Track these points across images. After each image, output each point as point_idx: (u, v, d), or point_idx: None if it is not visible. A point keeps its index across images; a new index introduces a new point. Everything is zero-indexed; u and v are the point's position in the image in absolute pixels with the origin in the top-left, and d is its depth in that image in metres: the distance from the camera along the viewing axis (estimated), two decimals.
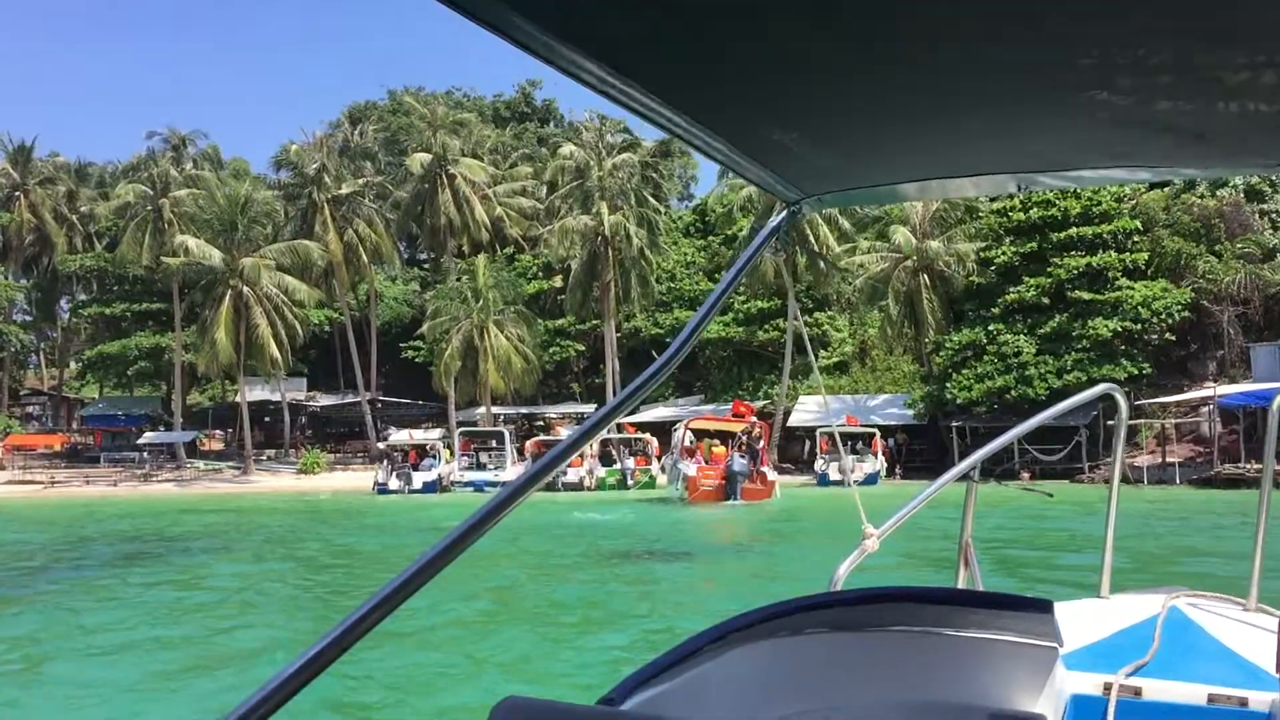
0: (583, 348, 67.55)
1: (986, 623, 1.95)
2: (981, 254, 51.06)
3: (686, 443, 40.64)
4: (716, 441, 40.82)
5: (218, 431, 71.98)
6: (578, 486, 44.79)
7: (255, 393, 69.19)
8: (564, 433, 54.34)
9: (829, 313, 61.44)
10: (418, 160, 61.08)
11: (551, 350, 66.94)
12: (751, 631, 1.96)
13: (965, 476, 3.33)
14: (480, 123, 77.66)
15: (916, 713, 1.92)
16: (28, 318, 71.42)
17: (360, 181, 60.57)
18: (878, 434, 48.53)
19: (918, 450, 54.24)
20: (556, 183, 63.58)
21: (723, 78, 1.33)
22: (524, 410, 66.26)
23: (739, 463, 37.54)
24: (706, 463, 38.91)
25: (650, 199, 61.19)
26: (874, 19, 1.14)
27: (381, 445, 48.14)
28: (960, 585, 3.13)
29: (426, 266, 74.36)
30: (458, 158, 62.19)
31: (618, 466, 45.50)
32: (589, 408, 64.99)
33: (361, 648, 1.42)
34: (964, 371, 49.31)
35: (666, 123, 1.43)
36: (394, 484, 45.07)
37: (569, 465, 46.29)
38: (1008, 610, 1.96)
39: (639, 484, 44.43)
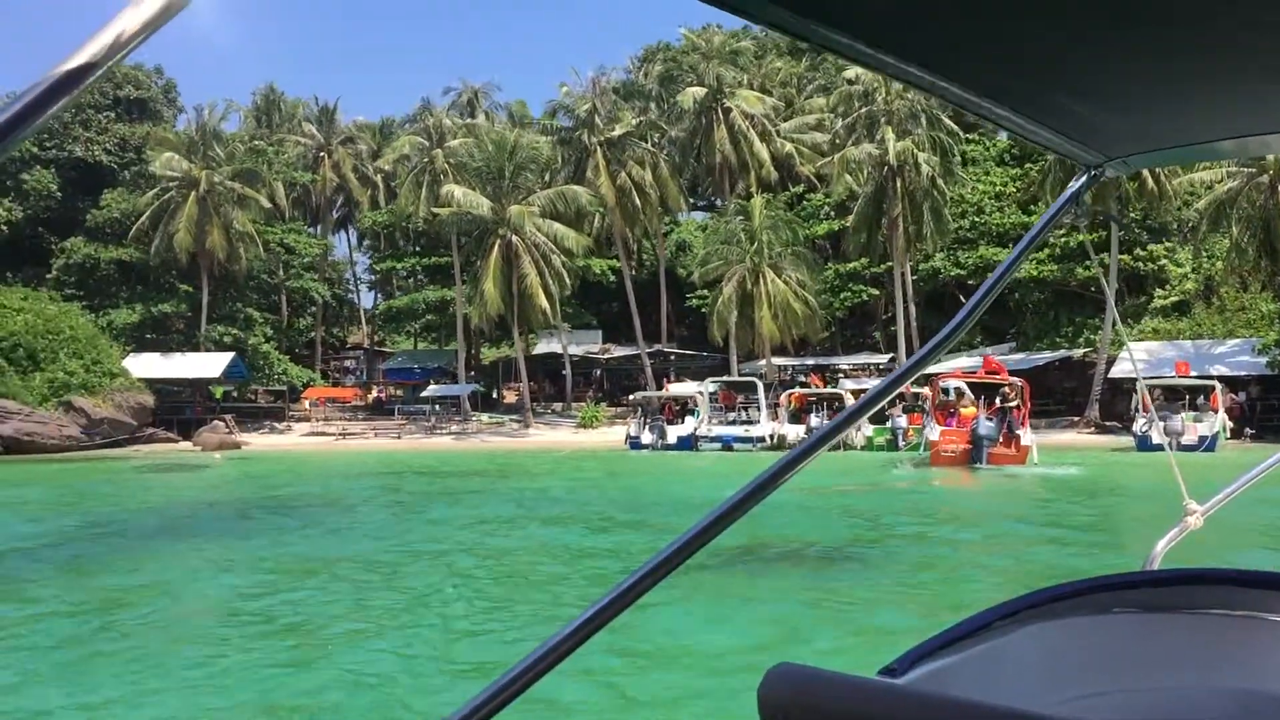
0: (877, 292, 61.57)
1: None
2: None
3: (943, 399, 35.14)
4: (968, 402, 34.81)
5: (519, 385, 72.63)
6: (837, 446, 39.72)
7: (549, 345, 68.99)
8: (822, 387, 49.09)
9: (1166, 243, 51.97)
10: (690, 95, 57.38)
11: (843, 296, 61.56)
12: (1052, 608, 1.76)
13: None
14: (774, 55, 72.89)
15: (1234, 700, 1.65)
16: (370, 276, 74.66)
17: (634, 122, 57.60)
18: (1218, 387, 39.83)
19: (1276, 406, 44.55)
20: (845, 112, 57.76)
21: (1002, 50, 1.30)
22: (813, 361, 61.41)
23: (985, 425, 33.13)
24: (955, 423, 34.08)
25: (947, 121, 54.08)
26: None
27: (632, 398, 45.14)
28: None
29: (720, 211, 70.89)
30: (733, 90, 57.83)
31: (888, 425, 39.89)
32: (887, 358, 59.18)
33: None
34: None
35: (951, 97, 1.40)
36: (646, 438, 42.03)
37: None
38: None
39: (910, 445, 38.66)
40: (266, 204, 58.28)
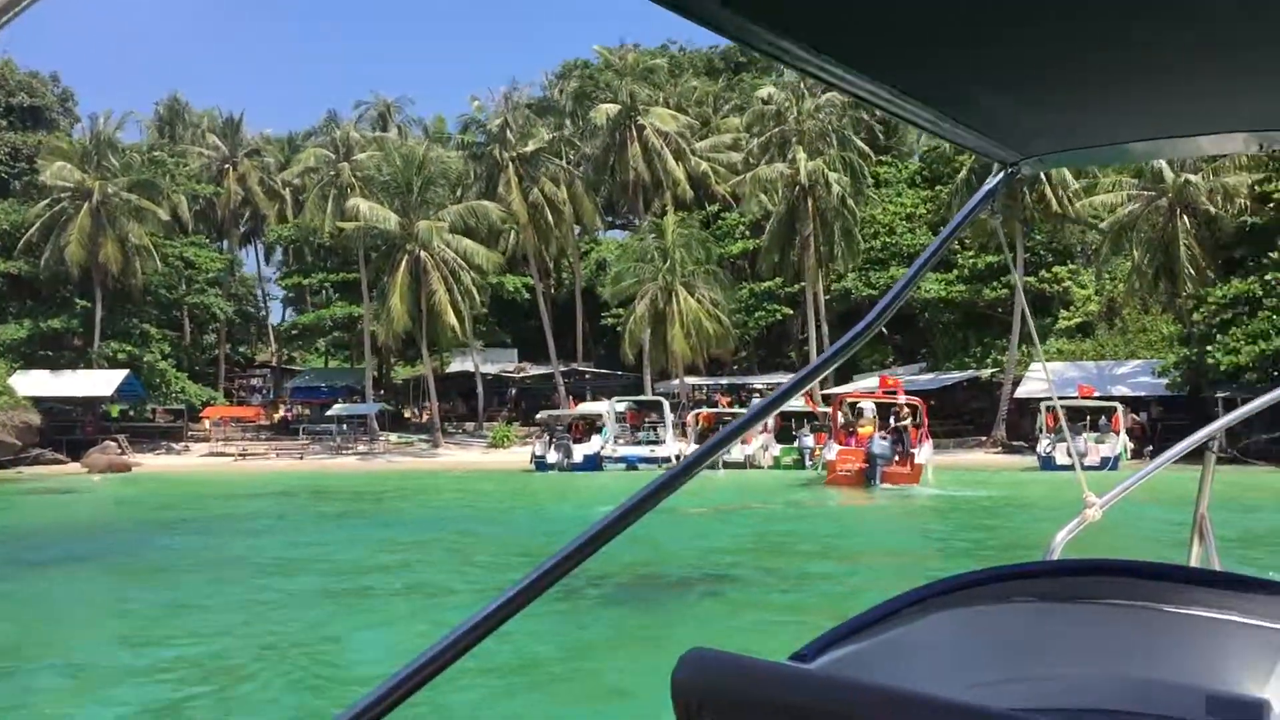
0: (792, 311, 61.55)
1: (1212, 601, 1.82)
2: (1258, 187, 41.53)
3: (844, 419, 35.06)
4: (866, 421, 34.78)
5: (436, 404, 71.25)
6: (742, 465, 39.37)
7: (464, 364, 67.83)
8: (729, 407, 48.68)
9: (1071, 265, 52.67)
10: (603, 112, 56.91)
11: (757, 315, 61.42)
12: (956, 596, 1.83)
13: (1203, 447, 2.98)
14: (691, 74, 72.82)
15: (1130, 688, 1.82)
16: (279, 292, 72.44)
17: (547, 138, 56.93)
18: (1120, 408, 40.22)
19: (1177, 427, 45.11)
20: (759, 131, 57.75)
21: (927, 47, 1.32)
22: (727, 380, 61.14)
23: (879, 444, 33.04)
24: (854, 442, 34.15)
25: (858, 142, 54.32)
26: None
27: (539, 417, 44.30)
28: (1193, 563, 2.84)
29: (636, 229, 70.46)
30: (647, 107, 57.51)
31: (795, 445, 39.55)
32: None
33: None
34: (1232, 331, 40.11)
35: (871, 96, 1.41)
36: (552, 457, 41.18)
37: (743, 441, 40.96)
38: (1236, 590, 1.82)
39: (818, 464, 38.35)
40: (165, 216, 56.38)
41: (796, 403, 45.79)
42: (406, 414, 67.85)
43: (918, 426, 35.71)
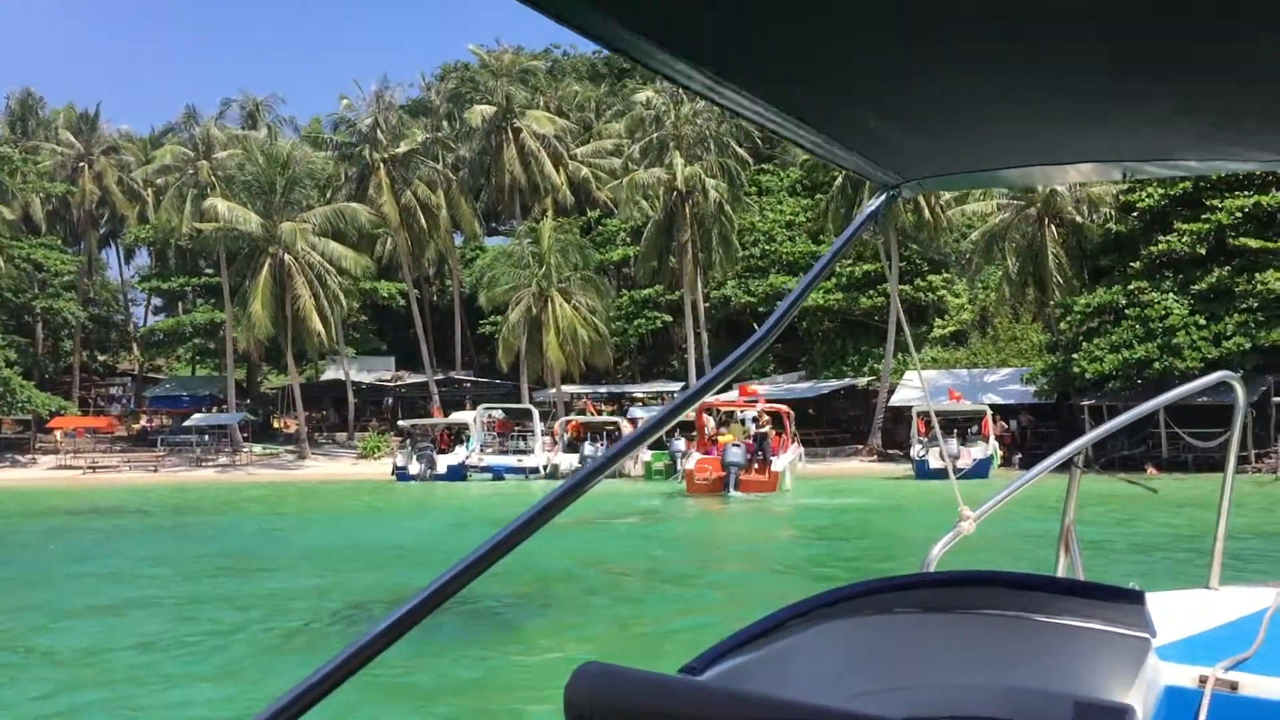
0: (672, 319, 60.82)
1: (1078, 610, 1.90)
2: (1122, 197, 42.09)
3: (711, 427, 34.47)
4: (725, 430, 34.31)
5: (308, 414, 68.89)
6: (612, 474, 38.33)
7: (337, 372, 65.60)
8: (599, 413, 47.56)
9: (945, 274, 52.94)
10: (478, 113, 55.51)
11: (637, 323, 60.55)
12: (839, 608, 1.89)
13: (1069, 462, 3.16)
14: (574, 79, 71.80)
15: (1002, 697, 1.88)
16: (140, 296, 68.70)
17: (420, 139, 55.22)
18: (989, 413, 40.26)
19: (1045, 434, 45.55)
20: (639, 135, 56.92)
21: (812, 70, 1.33)
22: (605, 389, 60.11)
23: (734, 452, 32.62)
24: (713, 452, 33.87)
25: (737, 148, 53.84)
26: (964, 8, 1.15)
27: (400, 425, 42.56)
28: (1060, 573, 3.00)
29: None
30: (524, 109, 56.24)
31: (667, 450, 38.65)
32: (679, 386, 58.21)
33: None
34: (1096, 340, 40.51)
35: (756, 116, 1.43)
36: (414, 468, 39.55)
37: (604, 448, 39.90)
38: (1099, 600, 1.91)
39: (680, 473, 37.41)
40: (11, 216, 53.07)
41: (639, 411, 45.07)
42: (277, 424, 65.24)
43: (780, 434, 35.17)
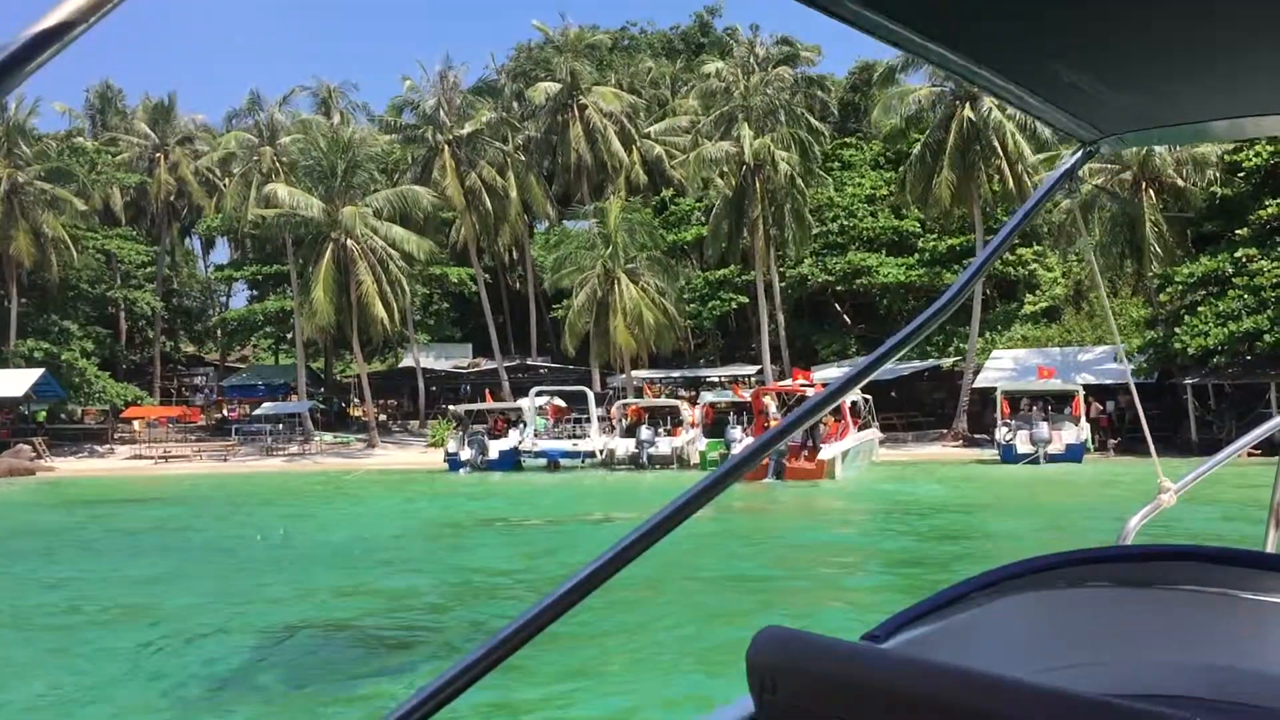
0: (748, 300, 58.49)
1: None
2: (1227, 157, 38.51)
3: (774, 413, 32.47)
4: (778, 415, 32.21)
5: (383, 401, 68.70)
6: (668, 461, 36.40)
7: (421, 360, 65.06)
8: (659, 397, 45.36)
9: (1036, 247, 49.59)
10: (542, 90, 53.89)
11: (712, 305, 58.40)
12: (1028, 580, 1.82)
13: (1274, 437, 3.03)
14: (647, 55, 69.84)
15: (1205, 675, 1.80)
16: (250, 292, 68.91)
17: (485, 119, 53.86)
18: (1081, 392, 37.23)
19: (1147, 417, 42.06)
20: (710, 108, 54.64)
21: (1008, 21, 1.34)
22: (679, 373, 58.18)
23: None
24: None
25: (810, 119, 51.22)
26: None
27: (452, 410, 41.13)
28: (1270, 549, 2.82)
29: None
30: (589, 86, 54.47)
31: (724, 439, 36.58)
32: (755, 369, 55.90)
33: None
34: (1200, 312, 37.09)
35: (955, 67, 1.44)
36: (466, 454, 38.17)
37: (670, 435, 38.06)
38: None
39: None
40: (83, 206, 53.26)
41: (729, 395, 42.88)
42: (355, 412, 64.90)
43: (839, 420, 32.98)
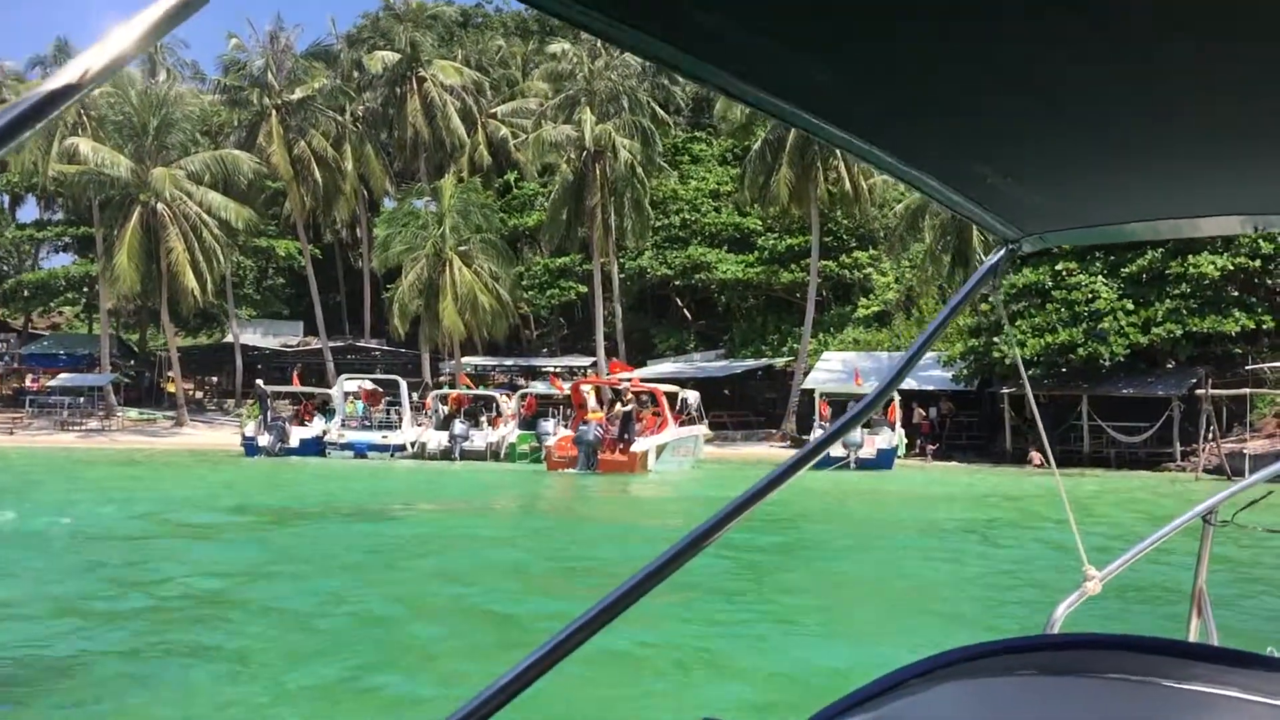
0: (587, 290, 57.26)
1: (1212, 677, 1.77)
2: None
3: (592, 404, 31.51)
4: (598, 408, 31.38)
5: (203, 378, 65.19)
6: (482, 455, 34.84)
7: (245, 337, 61.84)
8: (475, 387, 43.77)
9: (871, 252, 49.69)
10: (379, 59, 51.52)
11: (550, 293, 56.99)
12: (959, 669, 1.83)
13: (1204, 518, 3.06)
14: (500, 33, 67.85)
15: None
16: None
17: (317, 86, 51.16)
18: (895, 399, 37.01)
19: (965, 423, 42.53)
20: (556, 90, 53.05)
21: (928, 123, 1.37)
22: (511, 361, 56.58)
23: (593, 431, 30.86)
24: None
25: (654, 107, 50.22)
26: (1091, 63, 1.15)
27: (256, 388, 38.65)
28: (1192, 637, 2.98)
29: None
30: (430, 59, 52.30)
31: (534, 431, 35.17)
32: (590, 361, 54.63)
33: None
34: (1019, 323, 37.38)
35: (875, 160, 1.45)
36: (264, 440, 35.79)
37: (489, 426, 36.49)
38: (1236, 666, 1.78)
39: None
40: None
41: (542, 387, 41.54)
42: (171, 388, 61.24)
43: (656, 414, 32.08)
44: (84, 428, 49.86)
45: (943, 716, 1.78)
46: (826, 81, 1.18)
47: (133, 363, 59.62)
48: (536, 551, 15.80)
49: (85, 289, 56.04)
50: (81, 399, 52.20)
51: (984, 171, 1.54)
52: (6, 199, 67.23)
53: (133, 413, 52.68)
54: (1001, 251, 1.97)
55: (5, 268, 66.94)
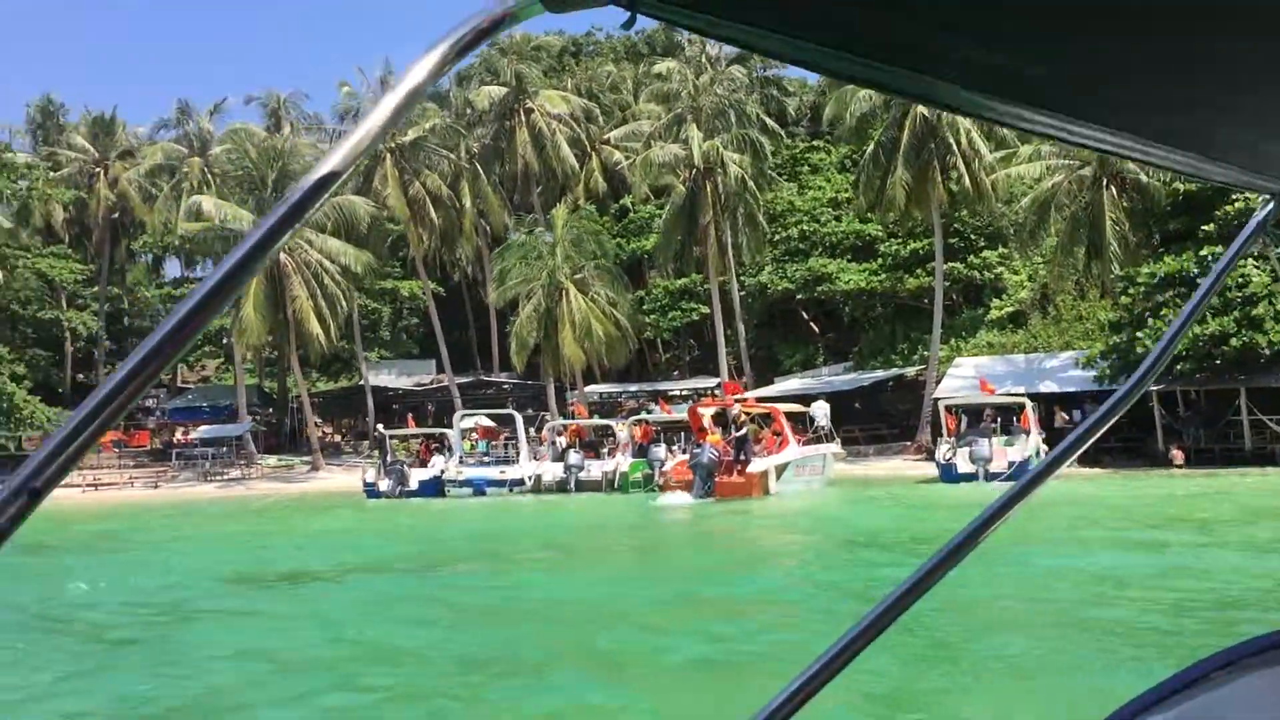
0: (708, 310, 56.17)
1: None
2: None
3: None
4: (718, 430, 30.01)
5: (346, 420, 66.70)
6: (598, 485, 34.07)
7: (380, 378, 63.12)
8: (591, 417, 42.94)
9: (1001, 250, 47.24)
10: (485, 95, 51.70)
11: (672, 315, 56.14)
12: (1265, 657, 1.62)
13: None
14: (609, 59, 67.70)
15: None
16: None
17: (428, 126, 51.70)
18: (1028, 404, 34.81)
19: (1113, 428, 39.57)
20: (663, 112, 52.37)
21: (1168, 92, 1.28)
22: (635, 387, 55.88)
23: (708, 453, 29.28)
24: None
25: (764, 119, 48.98)
26: None
27: (376, 434, 38.71)
28: None
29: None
30: (537, 89, 52.27)
31: (644, 460, 34.20)
32: (714, 382, 53.47)
33: None
34: (1164, 314, 34.71)
35: (1115, 149, 1.36)
36: (384, 485, 35.83)
37: (607, 456, 35.75)
38: None
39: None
40: (7, 223, 51.15)
41: (659, 413, 40.48)
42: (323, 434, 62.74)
43: (777, 434, 30.73)
44: (225, 477, 51.22)
45: (1249, 709, 1.58)
46: (1054, 76, 1.12)
47: (271, 410, 61.22)
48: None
49: (223, 341, 57.68)
50: (224, 449, 53.76)
51: (1234, 131, 1.37)
52: (150, 258, 70.35)
53: (271, 460, 53.94)
54: (1270, 205, 1.70)
55: (150, 325, 70.01)
